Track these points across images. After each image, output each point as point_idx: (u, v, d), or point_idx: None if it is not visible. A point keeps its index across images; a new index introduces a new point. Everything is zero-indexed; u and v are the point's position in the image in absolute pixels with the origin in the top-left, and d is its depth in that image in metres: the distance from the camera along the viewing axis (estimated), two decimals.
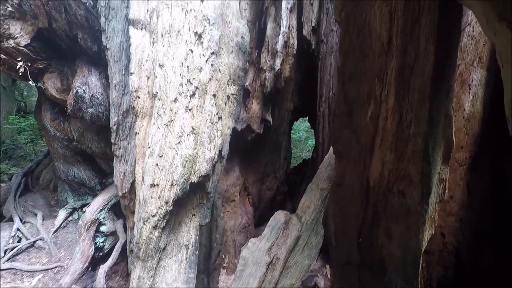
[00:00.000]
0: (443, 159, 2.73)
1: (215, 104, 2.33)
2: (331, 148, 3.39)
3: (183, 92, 2.22)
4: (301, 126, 10.91)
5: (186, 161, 2.23)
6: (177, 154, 2.20)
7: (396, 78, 2.33)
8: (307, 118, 7.17)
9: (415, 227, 2.66)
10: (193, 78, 2.23)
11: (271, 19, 4.46)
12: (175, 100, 2.20)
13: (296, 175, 6.57)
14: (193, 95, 2.24)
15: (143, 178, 2.19)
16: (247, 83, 4.48)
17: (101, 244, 3.91)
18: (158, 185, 2.18)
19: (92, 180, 4.33)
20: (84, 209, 4.11)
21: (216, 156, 2.38)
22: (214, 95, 2.33)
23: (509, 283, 3.15)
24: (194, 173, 2.29)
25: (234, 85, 2.43)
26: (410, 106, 2.37)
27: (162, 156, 2.18)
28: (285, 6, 4.42)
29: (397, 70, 2.31)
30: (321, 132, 4.67)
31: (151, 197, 2.17)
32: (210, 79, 2.29)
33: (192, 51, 2.23)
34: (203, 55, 2.26)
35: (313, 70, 5.10)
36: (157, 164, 2.17)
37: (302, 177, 6.20)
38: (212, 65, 2.28)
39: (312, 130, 10.50)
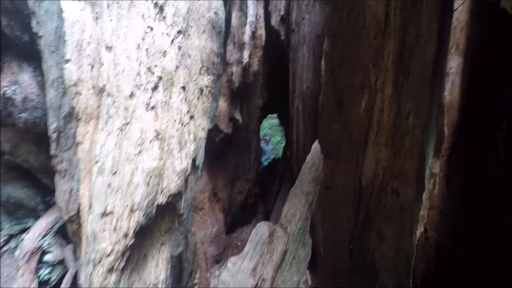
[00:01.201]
0: (434, 152, 2.53)
1: (185, 99, 1.68)
2: (313, 146, 3.00)
3: (141, 84, 1.59)
4: (265, 123, 10.61)
5: (151, 176, 1.62)
6: (137, 168, 1.58)
7: (394, 62, 1.99)
8: (276, 115, 6.81)
9: (409, 227, 2.43)
10: (155, 65, 1.61)
11: (236, 8, 3.96)
12: (132, 95, 1.57)
13: (267, 174, 6.21)
14: (155, 88, 1.62)
15: (90, 204, 1.55)
16: None
17: (46, 277, 3.17)
18: (112, 213, 1.54)
19: (32, 200, 3.51)
20: (23, 235, 3.34)
21: (189, 167, 1.79)
22: (184, 88, 1.71)
23: (484, 274, 3.08)
24: (162, 191, 1.67)
25: (208, 75, 1.82)
26: (409, 95, 2.05)
27: (116, 172, 1.55)
28: None
29: (395, 54, 1.97)
30: (295, 129, 4.27)
31: (104, 230, 1.52)
32: (178, 66, 1.65)
33: (151, 29, 1.60)
34: (167, 34, 1.63)
35: (282, 63, 4.69)
36: (109, 185, 1.53)
37: (274, 176, 5.84)
38: (179, 48, 1.64)
39: (277, 127, 10.23)
